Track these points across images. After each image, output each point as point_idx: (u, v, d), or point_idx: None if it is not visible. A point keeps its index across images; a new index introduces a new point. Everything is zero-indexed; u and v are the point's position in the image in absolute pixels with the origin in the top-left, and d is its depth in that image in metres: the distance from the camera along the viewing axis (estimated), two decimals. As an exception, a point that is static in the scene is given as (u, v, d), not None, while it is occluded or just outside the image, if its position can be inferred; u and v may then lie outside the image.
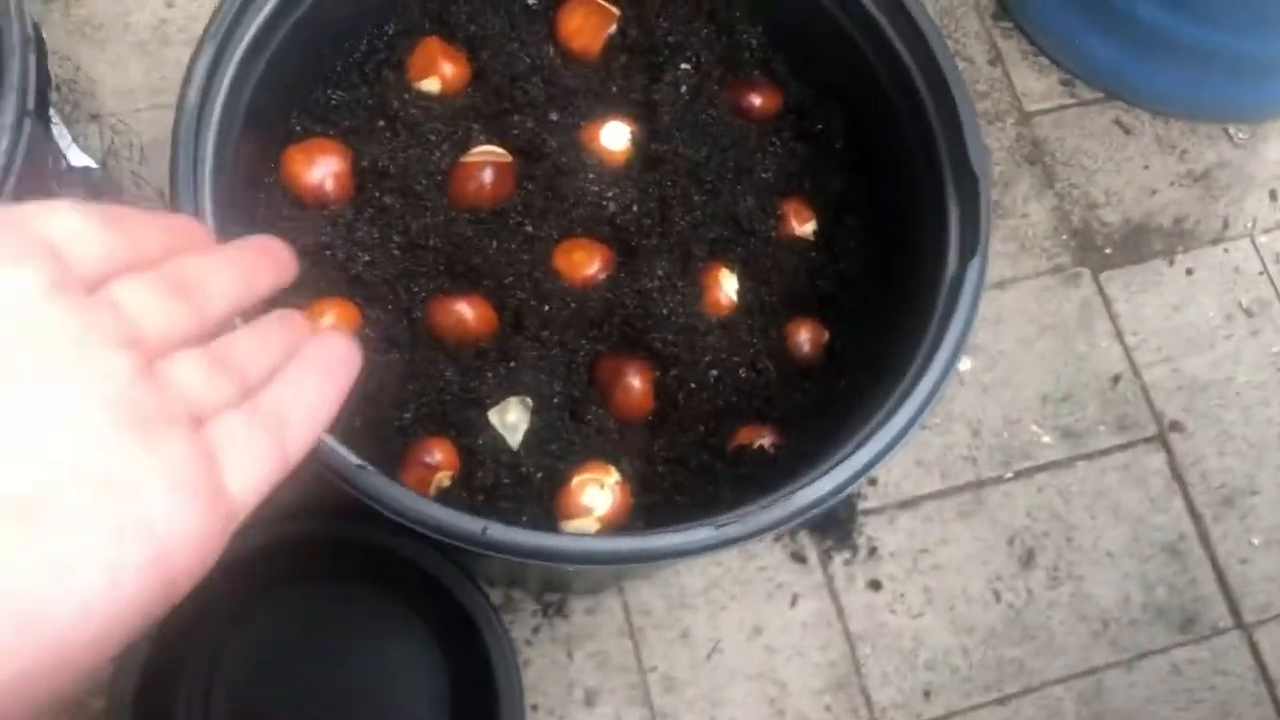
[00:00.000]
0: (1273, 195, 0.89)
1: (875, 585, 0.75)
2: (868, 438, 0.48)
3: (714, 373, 0.55)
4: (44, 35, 0.64)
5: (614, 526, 0.51)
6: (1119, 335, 0.83)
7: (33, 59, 0.53)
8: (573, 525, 0.51)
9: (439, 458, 0.51)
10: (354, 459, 0.44)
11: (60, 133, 0.70)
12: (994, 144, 0.86)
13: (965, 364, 0.80)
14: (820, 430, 0.53)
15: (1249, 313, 0.85)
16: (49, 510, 0.23)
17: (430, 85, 0.58)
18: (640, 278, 0.55)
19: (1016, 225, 0.85)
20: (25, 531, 0.23)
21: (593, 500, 0.51)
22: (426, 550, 0.59)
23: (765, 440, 0.54)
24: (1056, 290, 0.83)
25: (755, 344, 0.56)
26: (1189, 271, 0.85)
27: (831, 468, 0.47)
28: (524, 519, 0.50)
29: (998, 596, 0.75)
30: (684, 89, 0.59)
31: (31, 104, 0.53)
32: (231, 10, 0.50)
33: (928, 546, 0.76)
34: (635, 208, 0.56)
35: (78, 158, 0.71)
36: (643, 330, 0.54)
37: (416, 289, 0.55)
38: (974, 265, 0.51)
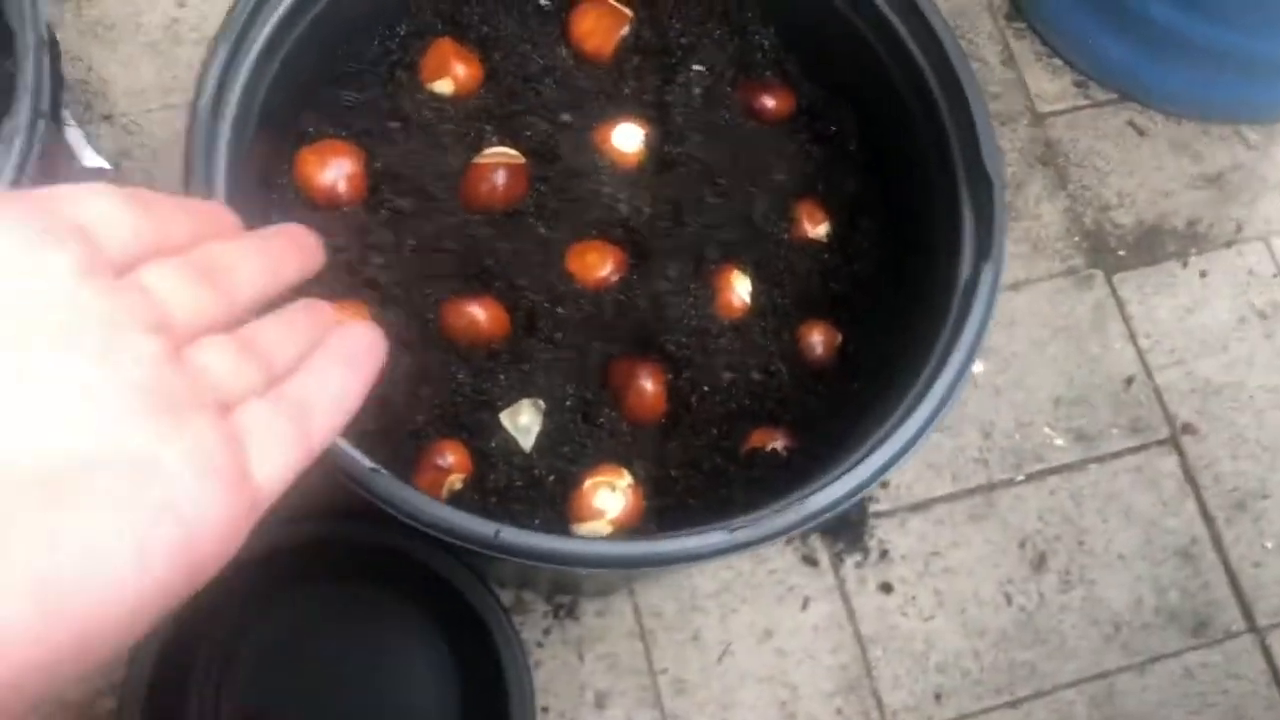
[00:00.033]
0: (1287, 197, 0.88)
1: (886, 588, 0.74)
2: (881, 441, 0.48)
3: (727, 375, 0.55)
4: (57, 36, 0.64)
5: (626, 529, 0.51)
6: (1132, 337, 0.82)
7: (46, 61, 0.53)
8: (585, 528, 0.51)
9: (451, 460, 0.51)
10: (367, 462, 0.44)
11: (73, 134, 0.71)
12: (1007, 145, 0.86)
13: (977, 366, 0.79)
14: (833, 433, 0.53)
15: (1263, 315, 0.84)
16: (80, 491, 0.23)
17: (443, 86, 0.58)
18: (653, 280, 0.55)
19: (1029, 227, 0.85)
20: (57, 512, 0.23)
21: (605, 503, 0.51)
22: (438, 552, 0.59)
23: (778, 443, 0.54)
24: (1069, 292, 0.83)
25: (768, 346, 0.56)
26: (1202, 274, 0.85)
27: (845, 471, 0.47)
28: (536, 521, 0.50)
29: (1009, 599, 0.75)
30: (697, 90, 0.59)
31: (45, 105, 0.53)
32: (245, 11, 0.50)
33: (939, 549, 0.76)
34: (648, 210, 0.56)
35: (90, 158, 0.71)
36: (655, 332, 0.54)
37: (429, 291, 0.54)
38: (988, 269, 0.51)
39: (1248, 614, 0.77)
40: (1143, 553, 0.77)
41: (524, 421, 0.53)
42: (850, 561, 0.75)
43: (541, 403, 0.53)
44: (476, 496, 0.51)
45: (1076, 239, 0.85)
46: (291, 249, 0.33)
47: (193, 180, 0.48)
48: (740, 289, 0.56)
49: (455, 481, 0.51)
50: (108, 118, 0.77)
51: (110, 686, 0.63)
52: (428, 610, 0.63)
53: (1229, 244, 0.86)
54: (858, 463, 0.47)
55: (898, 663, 0.73)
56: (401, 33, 0.60)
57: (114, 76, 0.79)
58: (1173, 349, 0.82)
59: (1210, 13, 0.82)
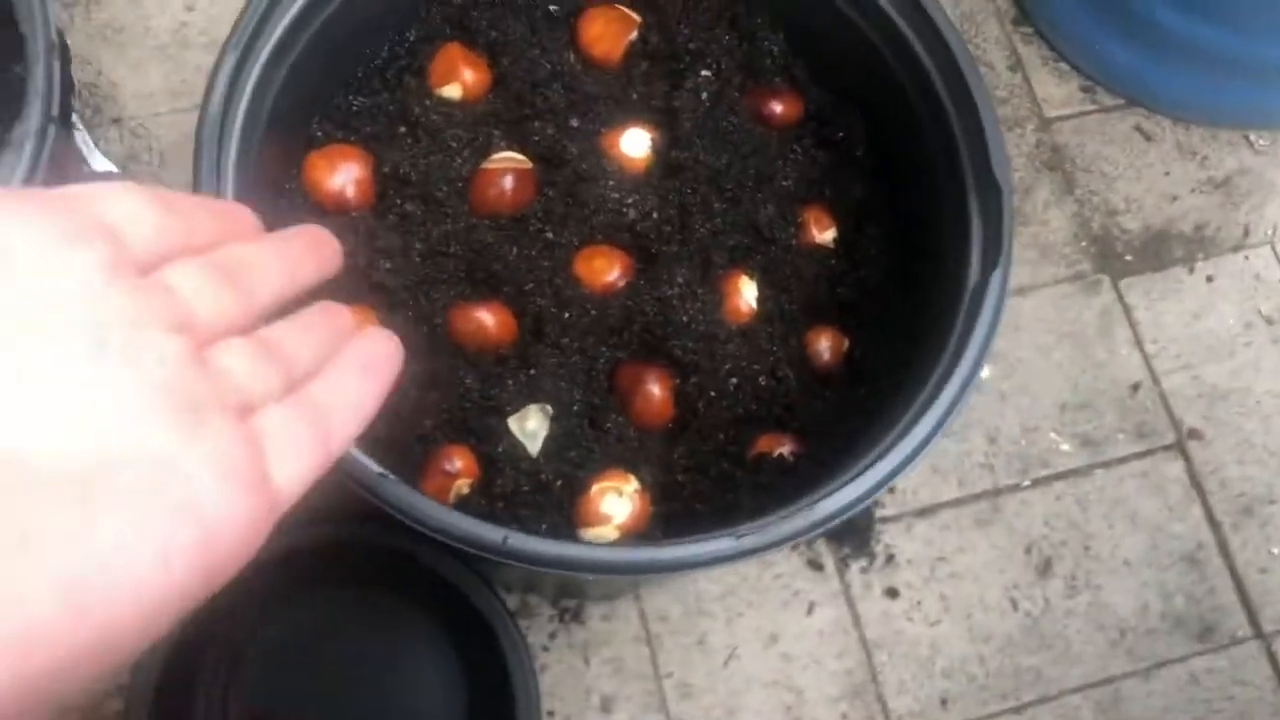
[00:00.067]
0: (1294, 202, 0.88)
1: (892, 593, 0.74)
2: (889, 448, 0.48)
3: (734, 380, 0.55)
4: (66, 40, 0.64)
5: (633, 535, 0.51)
6: (1138, 343, 0.82)
7: (57, 65, 0.54)
8: (592, 533, 0.51)
9: (459, 465, 0.51)
10: (375, 467, 0.44)
11: (82, 138, 0.71)
12: (1014, 150, 0.86)
13: (984, 371, 0.79)
14: (841, 439, 0.53)
15: (1269, 320, 0.84)
16: (103, 491, 0.23)
17: (451, 91, 0.58)
18: (660, 285, 0.55)
19: (1036, 232, 0.85)
20: (81, 511, 0.23)
21: (612, 508, 0.51)
22: (445, 557, 0.59)
23: (785, 449, 0.54)
24: (1076, 297, 0.83)
25: (775, 352, 0.56)
26: (1209, 279, 0.85)
27: (853, 478, 0.47)
28: (543, 527, 0.50)
29: (1015, 605, 0.75)
30: (705, 95, 0.59)
31: (55, 110, 0.53)
32: (255, 16, 0.51)
33: (945, 554, 0.76)
34: (655, 214, 0.56)
35: (100, 163, 0.71)
36: (663, 337, 0.54)
37: (437, 296, 0.55)
38: (996, 276, 0.51)
39: (1254, 620, 0.77)
40: (1148, 558, 0.77)
41: (531, 427, 0.53)
42: (856, 566, 0.75)
43: (549, 408, 0.53)
44: (484, 502, 0.51)
45: (1083, 244, 0.85)
46: (311, 251, 0.34)
47: (201, 185, 0.48)
48: (747, 294, 0.56)
49: (463, 486, 0.51)
50: (116, 121, 0.77)
51: (117, 688, 0.63)
52: (434, 614, 0.63)
53: (1236, 249, 0.86)
54: (865, 469, 0.47)
55: (903, 668, 0.73)
56: (410, 38, 0.60)
57: (123, 80, 0.79)
58: (1179, 354, 0.82)
59: (1217, 18, 0.81)
